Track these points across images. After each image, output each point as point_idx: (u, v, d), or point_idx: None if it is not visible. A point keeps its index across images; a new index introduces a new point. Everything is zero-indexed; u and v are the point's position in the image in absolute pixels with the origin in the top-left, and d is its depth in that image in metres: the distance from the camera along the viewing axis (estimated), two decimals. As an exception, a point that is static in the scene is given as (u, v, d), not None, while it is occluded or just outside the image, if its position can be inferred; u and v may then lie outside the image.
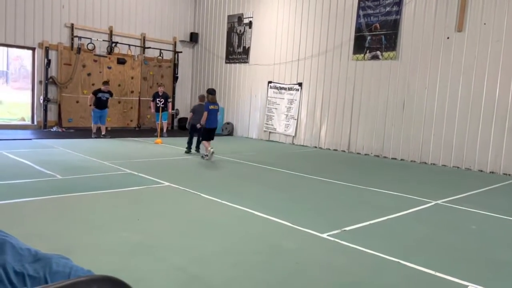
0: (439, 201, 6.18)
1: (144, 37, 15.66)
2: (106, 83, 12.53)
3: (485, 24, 9.52)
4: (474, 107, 9.74)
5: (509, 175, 9.16)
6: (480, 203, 6.23)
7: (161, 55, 15.96)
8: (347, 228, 4.60)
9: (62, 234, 3.99)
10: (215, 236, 4.18)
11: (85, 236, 3.95)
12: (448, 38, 10.09)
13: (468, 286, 3.26)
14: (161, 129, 13.09)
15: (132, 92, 15.42)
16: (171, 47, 16.48)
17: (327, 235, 4.33)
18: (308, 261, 3.63)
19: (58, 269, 1.25)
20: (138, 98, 15.58)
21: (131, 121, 15.52)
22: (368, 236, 4.43)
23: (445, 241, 4.46)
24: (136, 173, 7.06)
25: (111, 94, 12.53)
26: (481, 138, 9.64)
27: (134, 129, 15.37)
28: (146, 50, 15.70)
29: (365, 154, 11.68)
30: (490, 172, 9.45)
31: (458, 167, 9.94)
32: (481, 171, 9.57)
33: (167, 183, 6.40)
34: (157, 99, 13.30)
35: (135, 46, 15.46)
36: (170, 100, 14.00)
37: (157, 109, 13.05)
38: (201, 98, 10.42)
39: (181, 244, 3.88)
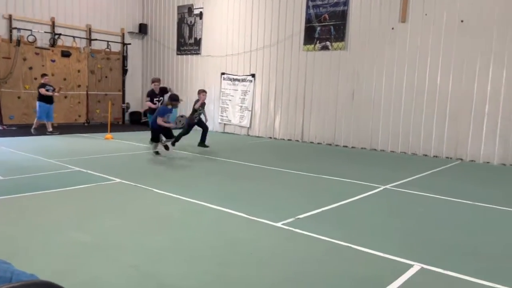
0: (387, 186, 6.46)
1: (89, 28, 15.01)
2: (45, 75, 11.89)
3: (426, 15, 9.97)
4: (418, 96, 10.21)
5: (451, 158, 9.73)
6: (425, 186, 6.58)
7: (109, 47, 15.38)
8: (300, 216, 4.70)
9: (6, 237, 3.78)
10: (169, 232, 4.13)
11: (32, 238, 3.77)
12: (392, 28, 10.48)
13: (413, 265, 3.44)
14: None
15: (79, 86, 14.78)
16: (119, 39, 15.93)
17: (282, 224, 4.41)
18: (262, 251, 3.68)
19: None
20: (86, 93, 14.96)
21: (79, 116, 14.90)
22: (321, 223, 4.56)
23: (394, 224, 4.67)
24: (85, 171, 6.80)
25: (53, 88, 11.91)
26: (425, 124, 10.14)
27: (83, 124, 14.77)
28: (92, 42, 15.07)
29: (318, 143, 11.95)
30: (434, 156, 9.99)
31: (405, 153, 10.42)
32: (426, 155, 10.09)
33: (118, 180, 6.23)
34: (155, 99, 10.07)
35: (81, 38, 14.79)
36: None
37: (151, 110, 9.79)
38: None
39: (133, 242, 3.80)
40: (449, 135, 9.80)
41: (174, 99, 8.82)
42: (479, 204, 5.59)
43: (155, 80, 10.30)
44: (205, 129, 10.23)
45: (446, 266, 3.42)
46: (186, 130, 9.92)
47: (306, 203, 5.32)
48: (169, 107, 8.72)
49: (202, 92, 10.08)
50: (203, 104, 10.06)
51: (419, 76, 10.15)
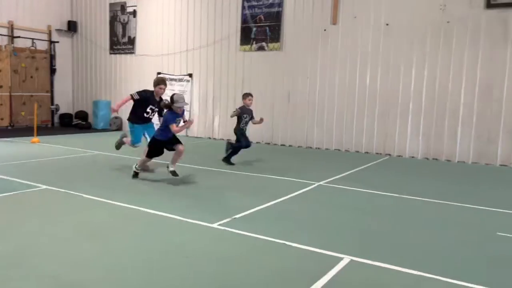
0: (321, 182, 6.67)
1: (12, 25, 13.95)
2: None
3: (355, 17, 10.43)
4: (350, 95, 10.66)
5: (380, 154, 10.26)
6: (356, 180, 6.88)
7: (34, 45, 14.41)
8: (237, 216, 4.70)
9: None
10: (97, 238, 3.93)
11: None
12: (325, 30, 10.84)
13: (343, 258, 3.57)
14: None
15: (1, 87, 13.69)
16: (45, 37, 14.97)
17: (218, 225, 4.38)
18: (197, 254, 3.63)
19: None
20: (8, 94, 13.89)
21: (2, 119, 13.81)
22: (257, 221, 4.59)
23: (326, 218, 4.82)
24: (7, 178, 6.30)
25: None
26: (356, 122, 10.61)
27: (6, 128, 13.70)
28: (15, 39, 14.02)
29: (257, 142, 12.04)
30: (365, 152, 10.48)
31: (339, 150, 10.83)
32: (358, 151, 10.56)
33: (44, 186, 5.84)
34: (150, 106, 7.41)
35: (2, 35, 13.71)
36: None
37: (145, 119, 7.56)
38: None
39: (56, 250, 3.58)
40: (378, 132, 10.34)
41: (176, 100, 6.18)
42: (404, 196, 5.94)
43: (161, 82, 7.18)
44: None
45: (375, 257, 3.59)
46: (246, 142, 8.20)
47: (242, 203, 5.33)
48: (178, 111, 6.30)
49: (247, 96, 8.27)
50: (249, 111, 8.34)
51: (350, 75, 10.60)
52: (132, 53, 14.40)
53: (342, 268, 3.36)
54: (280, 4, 11.39)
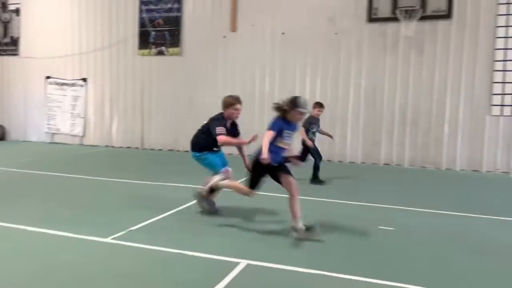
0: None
1: None
2: None
3: (253, 25, 10.75)
4: (250, 101, 10.89)
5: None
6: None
7: None
8: (133, 228, 4.52)
9: None
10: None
11: None
12: (224, 37, 10.99)
13: (240, 262, 3.64)
14: None
15: None
16: None
17: (112, 239, 4.16)
18: (90, 271, 3.40)
19: None
20: None
21: None
22: (154, 233, 4.46)
23: (226, 223, 4.86)
24: None
25: None
26: (257, 126, 10.90)
27: None
28: None
29: (159, 150, 11.76)
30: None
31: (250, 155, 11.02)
32: (260, 156, 10.85)
33: None
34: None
35: None
36: None
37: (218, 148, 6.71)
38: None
39: None
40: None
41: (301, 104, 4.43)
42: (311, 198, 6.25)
43: (236, 102, 5.36)
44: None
45: (272, 259, 3.71)
46: (319, 157, 7.53)
47: (140, 214, 5.13)
48: (295, 120, 4.57)
49: (317, 106, 7.57)
50: (317, 121, 7.64)
51: (250, 81, 10.89)
52: (16, 54, 13.07)
53: (239, 272, 3.42)
54: (179, 9, 11.28)
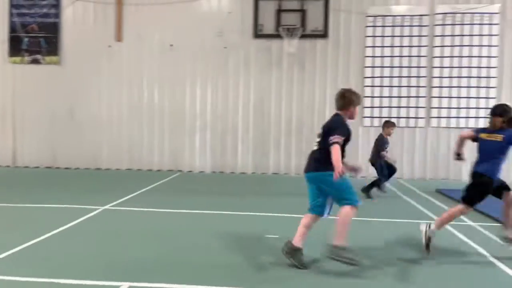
0: (107, 206, 6.32)
1: None
2: None
3: (140, 35, 10.43)
4: (138, 111, 10.56)
5: (172, 170, 10.48)
6: (144, 201, 6.79)
7: None
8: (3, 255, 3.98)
9: None
10: None
11: None
12: (110, 46, 10.48)
13: (121, 285, 3.43)
14: None
15: None
16: None
17: (-34, 272, 3.60)
18: None
19: None
20: None
21: None
22: (20, 262, 3.97)
23: (105, 247, 4.54)
24: None
25: None
26: (147, 139, 10.57)
27: None
28: None
29: (35, 167, 10.67)
30: (158, 170, 10.52)
31: (130, 169, 10.55)
32: (150, 170, 10.52)
33: None
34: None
35: None
36: None
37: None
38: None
39: None
40: (169, 149, 10.54)
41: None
42: (189, 211, 6.18)
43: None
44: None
45: (153, 279, 3.56)
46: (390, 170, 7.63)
47: (4, 241, 4.55)
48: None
49: (390, 125, 7.68)
50: (387, 141, 7.60)
51: (138, 92, 10.53)
52: None
53: (119, 297, 3.22)
54: (57, 15, 10.45)
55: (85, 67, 10.53)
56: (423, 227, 4.29)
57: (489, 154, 4.20)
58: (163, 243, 4.67)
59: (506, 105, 4.41)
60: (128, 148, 10.56)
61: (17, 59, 10.56)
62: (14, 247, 4.33)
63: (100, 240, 4.78)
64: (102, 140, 10.57)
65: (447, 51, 9.87)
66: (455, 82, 9.90)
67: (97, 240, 4.77)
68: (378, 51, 10.01)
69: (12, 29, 10.54)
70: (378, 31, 9.98)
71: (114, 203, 6.57)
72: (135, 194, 7.43)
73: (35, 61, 10.54)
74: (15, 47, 10.53)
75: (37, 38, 10.49)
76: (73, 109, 10.59)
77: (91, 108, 10.59)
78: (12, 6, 10.48)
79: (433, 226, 4.24)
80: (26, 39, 10.51)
